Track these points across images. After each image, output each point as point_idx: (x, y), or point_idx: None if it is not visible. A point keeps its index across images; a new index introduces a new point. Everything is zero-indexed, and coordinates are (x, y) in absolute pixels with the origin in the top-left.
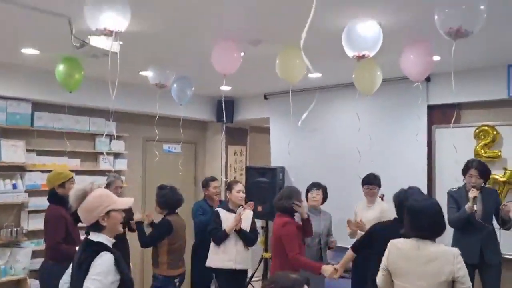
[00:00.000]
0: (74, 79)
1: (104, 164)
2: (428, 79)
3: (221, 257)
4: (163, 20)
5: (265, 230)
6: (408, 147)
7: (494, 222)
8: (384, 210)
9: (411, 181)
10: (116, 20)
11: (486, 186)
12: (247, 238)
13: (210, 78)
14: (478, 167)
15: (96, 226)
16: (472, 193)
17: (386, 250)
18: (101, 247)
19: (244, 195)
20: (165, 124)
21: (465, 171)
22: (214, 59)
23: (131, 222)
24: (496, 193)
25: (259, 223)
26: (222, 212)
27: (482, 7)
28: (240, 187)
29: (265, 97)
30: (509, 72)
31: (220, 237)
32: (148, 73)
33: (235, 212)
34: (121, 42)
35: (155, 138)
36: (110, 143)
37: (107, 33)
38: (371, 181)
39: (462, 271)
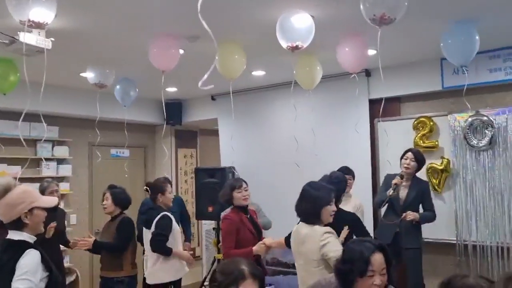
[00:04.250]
0: (8, 81)
1: (47, 170)
2: (368, 74)
3: (178, 266)
4: (98, 17)
5: (217, 231)
6: (352, 140)
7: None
8: (357, 206)
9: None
10: (41, 11)
11: (418, 177)
12: None
13: (154, 80)
14: (414, 151)
15: (18, 224)
16: (395, 180)
17: None
18: (24, 245)
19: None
20: (111, 128)
21: (402, 155)
22: (151, 55)
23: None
24: (425, 184)
25: (211, 224)
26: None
27: None
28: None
29: (213, 98)
30: (442, 65)
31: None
32: (88, 74)
33: None
34: (52, 39)
35: (100, 142)
36: (52, 149)
37: (33, 25)
38: (347, 171)
39: (326, 247)
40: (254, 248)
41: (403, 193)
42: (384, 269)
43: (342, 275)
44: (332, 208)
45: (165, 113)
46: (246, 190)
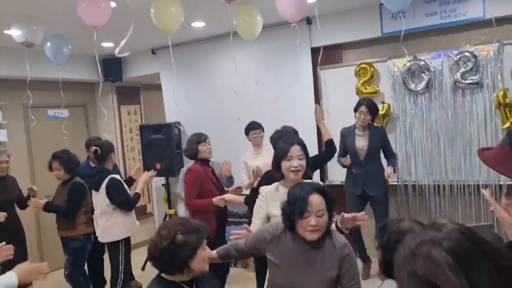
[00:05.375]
0: None
1: None
2: (309, 22)
3: (129, 222)
4: None
5: (166, 187)
6: (295, 89)
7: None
8: (266, 163)
9: (300, 123)
10: None
11: (374, 124)
12: None
13: (88, 35)
14: (368, 104)
15: None
16: (345, 162)
17: None
18: None
19: None
20: (46, 88)
21: (356, 108)
22: (80, 10)
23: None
24: (382, 131)
25: (161, 180)
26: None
27: None
28: None
29: (153, 52)
30: (381, 11)
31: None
32: (13, 31)
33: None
34: None
35: (36, 104)
36: None
37: None
38: (256, 126)
39: None
40: (214, 199)
41: (364, 143)
42: (321, 211)
43: (287, 216)
44: (289, 163)
45: (99, 70)
46: (209, 144)
